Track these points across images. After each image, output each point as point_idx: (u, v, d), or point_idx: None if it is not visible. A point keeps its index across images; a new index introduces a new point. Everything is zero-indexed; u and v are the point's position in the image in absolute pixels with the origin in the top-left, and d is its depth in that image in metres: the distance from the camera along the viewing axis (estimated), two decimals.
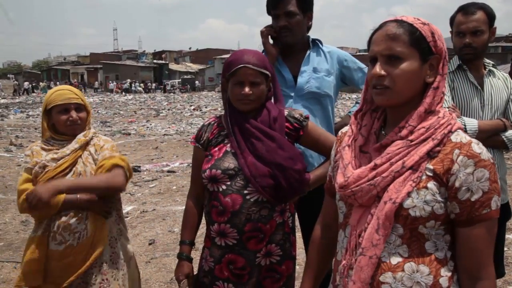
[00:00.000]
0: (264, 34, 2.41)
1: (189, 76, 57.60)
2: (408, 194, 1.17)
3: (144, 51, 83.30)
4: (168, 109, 24.11)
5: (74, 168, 2.15)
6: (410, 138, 1.21)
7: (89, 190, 2.11)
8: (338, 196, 1.35)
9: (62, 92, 2.19)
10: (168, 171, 8.03)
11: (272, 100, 1.91)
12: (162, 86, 51.97)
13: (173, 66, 67.09)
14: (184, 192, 6.51)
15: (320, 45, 2.47)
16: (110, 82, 56.39)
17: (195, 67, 67.51)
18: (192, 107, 24.51)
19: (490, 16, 2.34)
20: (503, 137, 2.34)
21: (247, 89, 1.78)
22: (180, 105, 27.08)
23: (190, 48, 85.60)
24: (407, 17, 1.24)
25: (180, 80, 54.39)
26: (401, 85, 1.21)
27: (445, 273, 1.21)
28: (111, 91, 50.77)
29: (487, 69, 2.48)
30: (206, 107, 24.45)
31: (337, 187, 1.29)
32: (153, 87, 51.08)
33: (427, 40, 1.21)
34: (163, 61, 69.18)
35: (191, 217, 1.98)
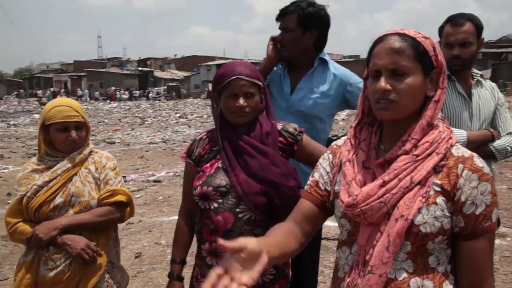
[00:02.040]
0: (271, 38, 2.44)
1: (174, 83, 57.56)
2: (419, 210, 1.16)
3: (129, 58, 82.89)
4: (154, 117, 23.95)
5: (65, 189, 2.04)
6: (416, 153, 1.20)
7: (87, 226, 2.02)
8: (339, 214, 1.31)
9: (62, 109, 2.02)
10: (154, 181, 7.93)
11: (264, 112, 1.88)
12: (145, 94, 51.53)
13: (158, 74, 67.00)
14: (171, 203, 6.43)
15: (329, 65, 2.42)
16: (79, 88, 55.06)
17: (180, 74, 67.48)
18: (178, 115, 24.39)
19: (478, 27, 2.36)
20: (491, 147, 2.35)
21: (241, 101, 1.75)
22: (166, 112, 26.94)
23: (175, 55, 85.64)
24: (408, 30, 1.23)
25: (165, 87, 54.26)
26: (407, 100, 1.20)
27: (447, 287, 1.21)
28: (80, 97, 49.46)
29: (475, 79, 2.49)
30: (192, 115, 24.35)
31: (342, 205, 1.25)
32: (137, 94, 50.61)
33: (429, 54, 1.21)
34: (148, 69, 69.02)
35: (182, 235, 1.93)
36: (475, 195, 1.17)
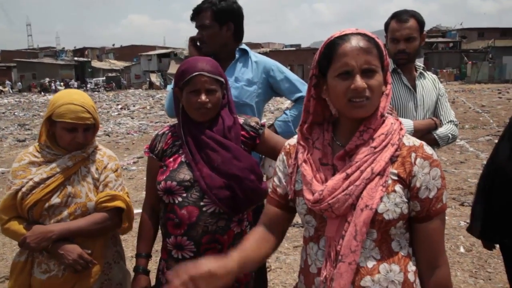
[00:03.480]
0: (190, 38, 2.50)
1: (114, 74, 55.55)
2: (381, 199, 1.25)
3: (64, 48, 78.88)
4: None
5: (63, 188, 1.94)
6: (373, 145, 1.28)
7: (81, 234, 1.93)
8: (304, 211, 1.36)
9: (74, 109, 1.88)
10: None
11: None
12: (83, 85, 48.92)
13: (96, 64, 64.39)
14: None
15: (249, 54, 2.52)
16: None
17: (120, 64, 65.24)
18: (119, 106, 23.67)
19: (421, 23, 2.51)
20: (434, 135, 2.53)
21: (203, 97, 1.76)
22: (106, 104, 26.05)
23: (113, 45, 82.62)
24: (363, 30, 1.30)
25: (104, 78, 52.26)
26: (377, 96, 1.28)
27: (411, 268, 1.32)
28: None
29: (418, 72, 2.66)
30: (134, 106, 23.74)
31: (308, 203, 1.30)
32: (75, 85, 48.25)
33: (383, 53, 1.30)
34: (85, 59, 66.11)
35: (147, 229, 1.93)
36: (428, 181, 1.27)
